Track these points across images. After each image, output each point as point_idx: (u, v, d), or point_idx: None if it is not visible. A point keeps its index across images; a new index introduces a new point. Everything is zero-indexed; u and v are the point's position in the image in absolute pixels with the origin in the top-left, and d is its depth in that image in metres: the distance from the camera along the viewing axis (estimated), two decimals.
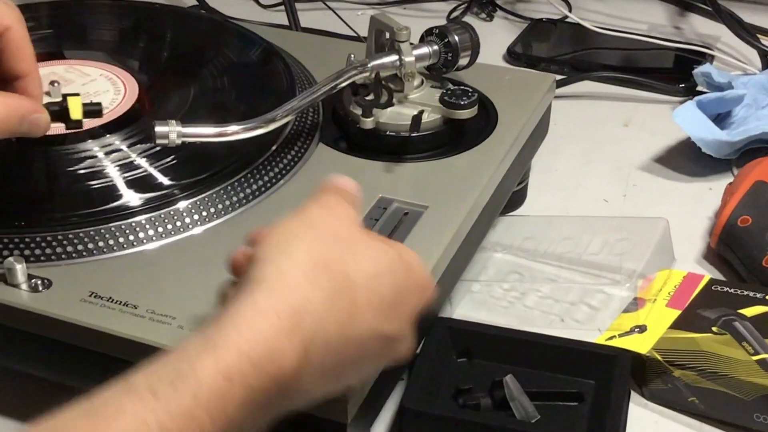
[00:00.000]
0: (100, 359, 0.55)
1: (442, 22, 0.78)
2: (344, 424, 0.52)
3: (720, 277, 0.75)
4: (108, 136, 0.67)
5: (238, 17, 1.08)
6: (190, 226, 0.62)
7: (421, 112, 0.70)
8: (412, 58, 0.71)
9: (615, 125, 0.97)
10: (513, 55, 1.09)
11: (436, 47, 0.73)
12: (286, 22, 1.06)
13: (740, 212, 0.75)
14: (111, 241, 0.60)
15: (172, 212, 0.62)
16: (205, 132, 0.63)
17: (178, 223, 0.61)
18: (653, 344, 0.64)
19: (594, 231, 0.77)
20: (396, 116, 0.71)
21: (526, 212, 0.84)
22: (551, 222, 0.81)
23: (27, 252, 0.59)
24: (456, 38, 0.73)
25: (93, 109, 0.59)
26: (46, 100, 0.59)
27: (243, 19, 1.05)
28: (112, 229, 0.60)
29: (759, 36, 1.07)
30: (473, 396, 0.62)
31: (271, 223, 0.48)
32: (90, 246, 0.59)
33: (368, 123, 0.70)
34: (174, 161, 0.65)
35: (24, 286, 0.57)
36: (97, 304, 0.56)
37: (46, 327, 0.56)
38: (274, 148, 0.68)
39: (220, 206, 0.63)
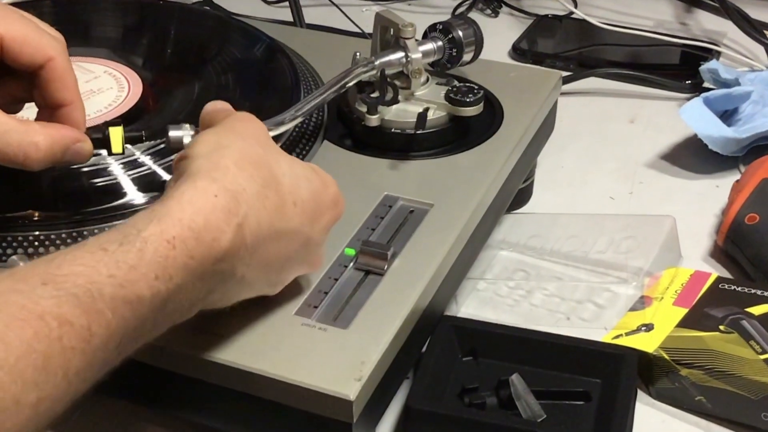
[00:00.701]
0: None
1: (447, 18, 0.78)
2: (349, 423, 0.52)
3: (727, 275, 0.75)
4: None
5: (242, 14, 1.08)
6: None
7: (427, 110, 0.70)
8: (419, 55, 0.71)
9: (621, 122, 0.96)
10: (518, 52, 1.08)
11: (440, 43, 0.73)
12: (290, 19, 1.06)
13: (747, 210, 0.75)
14: None
15: None
16: None
17: None
18: (660, 343, 0.64)
19: (600, 229, 0.77)
20: (401, 113, 0.71)
21: (532, 210, 0.83)
22: (557, 220, 0.80)
23: (31, 250, 0.58)
24: (460, 33, 0.73)
25: (134, 136, 0.60)
26: None
27: (247, 16, 1.05)
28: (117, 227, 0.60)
29: (766, 32, 1.06)
30: (479, 395, 0.61)
31: None
32: None
33: (373, 120, 0.69)
34: None
35: None
36: None
37: None
38: (278, 145, 0.68)
39: None
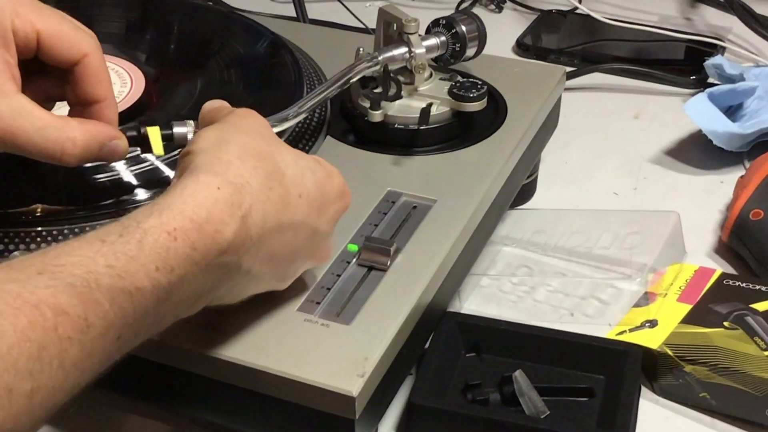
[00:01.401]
0: None
1: (451, 13, 0.77)
2: (352, 420, 0.52)
3: (732, 271, 0.74)
4: None
5: (245, 9, 1.07)
6: None
7: (430, 105, 0.70)
8: (423, 50, 0.71)
9: (625, 117, 0.96)
10: (522, 47, 1.08)
11: (443, 38, 0.73)
12: (293, 14, 1.06)
13: (752, 205, 0.75)
14: None
15: None
16: None
17: None
18: (664, 339, 0.64)
19: (604, 225, 0.77)
20: (404, 109, 0.71)
21: (536, 206, 0.83)
22: (561, 215, 0.80)
23: (33, 246, 0.58)
24: (463, 28, 0.73)
25: (167, 134, 0.59)
26: None
27: (250, 11, 1.04)
28: None
29: None
30: (482, 391, 0.61)
31: None
32: None
33: (376, 116, 0.69)
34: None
35: None
36: None
37: None
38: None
39: None
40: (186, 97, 0.71)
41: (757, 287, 0.68)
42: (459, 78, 0.73)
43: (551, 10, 1.16)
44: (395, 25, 0.72)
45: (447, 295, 0.65)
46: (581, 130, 0.93)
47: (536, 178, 0.84)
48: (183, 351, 0.54)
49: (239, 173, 0.49)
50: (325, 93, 0.68)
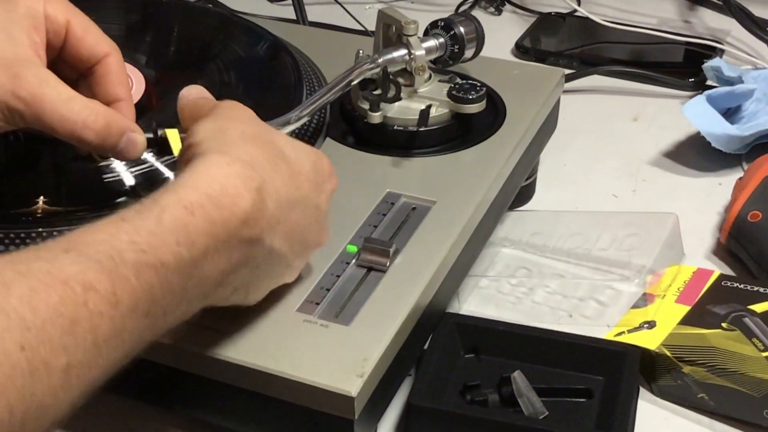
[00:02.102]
0: None
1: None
2: (351, 420, 0.52)
3: (730, 272, 0.75)
4: None
5: (245, 11, 1.08)
6: None
7: (429, 107, 0.70)
8: (423, 52, 0.71)
9: (624, 120, 0.96)
10: (521, 50, 1.08)
11: (442, 40, 0.73)
12: (293, 17, 1.06)
13: (750, 207, 0.75)
14: None
15: None
16: None
17: None
18: (662, 340, 0.64)
19: (603, 226, 0.77)
20: (404, 111, 0.71)
21: (535, 207, 0.83)
22: (560, 217, 0.80)
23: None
24: (461, 30, 0.73)
25: (183, 136, 0.60)
26: None
27: (250, 14, 1.05)
28: None
29: None
30: (481, 392, 0.61)
31: None
32: None
33: (376, 117, 0.69)
34: None
35: None
36: None
37: None
38: None
39: None
40: None
41: (755, 288, 0.68)
42: (458, 80, 0.73)
43: (550, 13, 1.16)
44: (394, 27, 0.72)
45: (446, 296, 0.65)
46: (580, 132, 0.93)
47: (535, 179, 0.84)
48: (183, 352, 0.54)
49: (246, 151, 0.50)
50: (327, 96, 0.68)
